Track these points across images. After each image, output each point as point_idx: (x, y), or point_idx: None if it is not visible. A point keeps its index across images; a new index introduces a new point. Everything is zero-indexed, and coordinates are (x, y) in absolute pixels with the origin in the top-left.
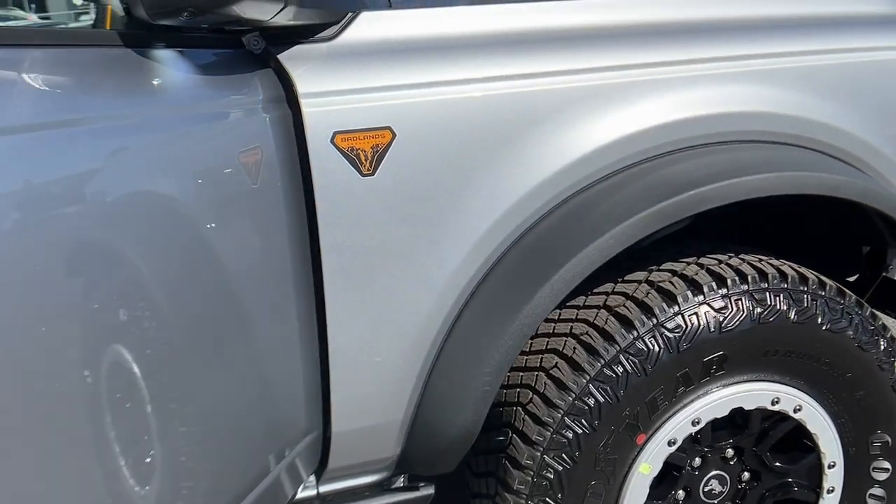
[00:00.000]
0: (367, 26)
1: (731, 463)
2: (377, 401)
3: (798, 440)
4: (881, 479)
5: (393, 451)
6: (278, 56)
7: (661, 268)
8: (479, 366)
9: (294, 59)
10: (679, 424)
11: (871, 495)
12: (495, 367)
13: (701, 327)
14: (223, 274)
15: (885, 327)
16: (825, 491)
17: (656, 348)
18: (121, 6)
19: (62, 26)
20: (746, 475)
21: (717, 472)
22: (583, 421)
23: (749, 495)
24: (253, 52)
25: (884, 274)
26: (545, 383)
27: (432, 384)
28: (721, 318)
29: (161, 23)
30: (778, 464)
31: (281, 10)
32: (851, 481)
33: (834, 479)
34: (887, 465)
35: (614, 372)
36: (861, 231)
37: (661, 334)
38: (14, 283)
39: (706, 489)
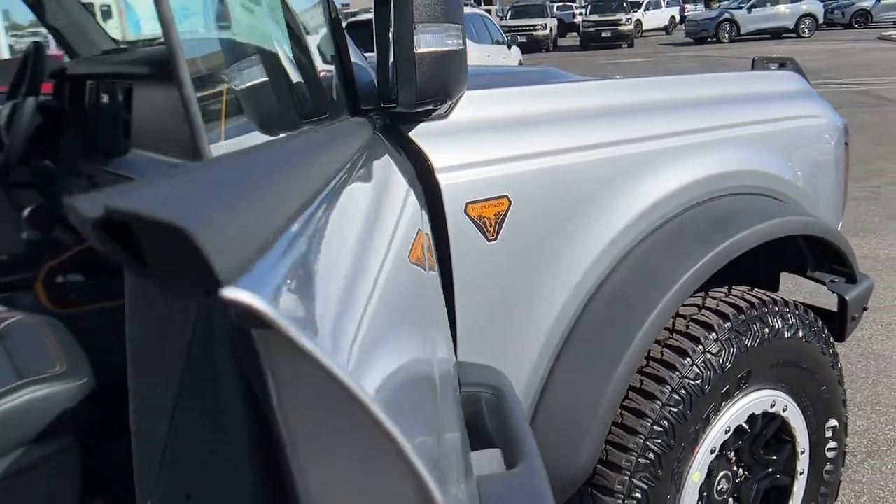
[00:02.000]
0: (471, 105)
1: (731, 461)
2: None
3: (775, 435)
4: (831, 457)
5: None
6: (409, 134)
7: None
8: (592, 409)
9: (423, 136)
10: (718, 434)
11: (826, 471)
12: (607, 408)
13: (734, 349)
14: None
15: (829, 335)
16: (798, 473)
17: (707, 371)
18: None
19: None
20: (741, 471)
21: (725, 471)
22: (660, 441)
23: (744, 488)
24: (376, 129)
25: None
26: (621, 414)
27: (535, 430)
28: (745, 340)
29: (416, 110)
30: (772, 456)
31: None
32: (813, 463)
33: (804, 463)
34: (834, 444)
35: (680, 396)
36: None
37: (708, 359)
38: None
39: (718, 488)
